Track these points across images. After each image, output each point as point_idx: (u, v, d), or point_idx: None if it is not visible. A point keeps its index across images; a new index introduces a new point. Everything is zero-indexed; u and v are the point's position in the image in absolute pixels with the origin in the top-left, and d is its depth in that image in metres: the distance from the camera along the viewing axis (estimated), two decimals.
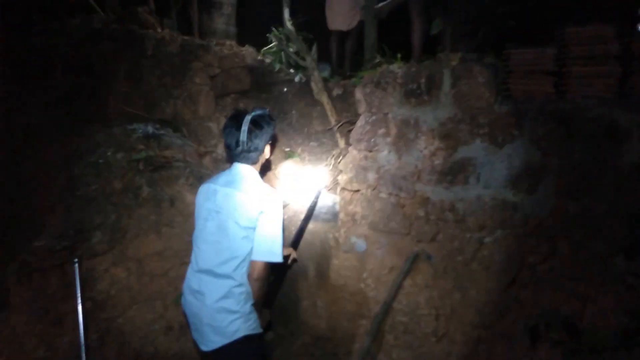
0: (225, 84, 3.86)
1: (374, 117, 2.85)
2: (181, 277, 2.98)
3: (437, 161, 2.62)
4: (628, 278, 2.10)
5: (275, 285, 2.49)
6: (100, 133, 3.42)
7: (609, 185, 2.16)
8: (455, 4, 3.07)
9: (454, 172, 2.58)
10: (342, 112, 3.61)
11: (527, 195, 2.39)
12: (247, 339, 1.83)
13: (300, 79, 3.87)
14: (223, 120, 3.73)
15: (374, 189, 2.89)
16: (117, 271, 2.82)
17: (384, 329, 2.69)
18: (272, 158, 3.50)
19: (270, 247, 1.83)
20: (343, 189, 3.03)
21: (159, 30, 4.18)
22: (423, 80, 2.62)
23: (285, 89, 3.95)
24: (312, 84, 3.70)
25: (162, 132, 3.52)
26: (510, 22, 2.65)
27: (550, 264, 2.34)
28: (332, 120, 3.59)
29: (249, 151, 1.88)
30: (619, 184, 2.13)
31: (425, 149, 2.66)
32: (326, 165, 3.45)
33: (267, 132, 1.91)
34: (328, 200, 3.17)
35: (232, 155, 1.92)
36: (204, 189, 1.97)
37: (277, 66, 3.96)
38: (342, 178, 3.04)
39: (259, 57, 4.08)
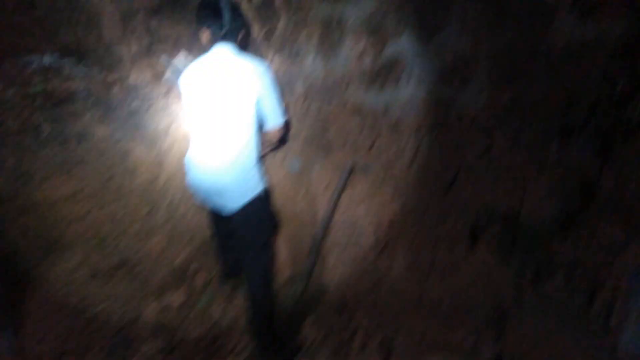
0: (131, 2, 3.36)
1: (294, 18, 2.53)
2: (101, 220, 2.76)
3: (367, 61, 2.37)
4: (562, 159, 1.99)
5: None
6: None
7: (542, 68, 1.98)
8: None
9: (384, 73, 2.35)
10: (267, 20, 3.23)
11: (461, 88, 2.20)
12: (259, 198, 2.09)
13: None
14: (134, 44, 3.31)
15: (304, 101, 2.64)
16: (27, 219, 2.53)
17: (325, 248, 2.57)
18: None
19: (279, 111, 2.09)
20: None
21: None
22: None
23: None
24: None
25: (62, 62, 3.07)
26: None
27: (488, 158, 2.21)
28: (256, 29, 3.22)
29: (232, 29, 1.97)
30: (552, 64, 1.95)
31: (352, 50, 2.39)
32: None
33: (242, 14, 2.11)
34: None
35: (215, 38, 1.96)
36: (193, 72, 2.01)
37: None
38: None
39: None
